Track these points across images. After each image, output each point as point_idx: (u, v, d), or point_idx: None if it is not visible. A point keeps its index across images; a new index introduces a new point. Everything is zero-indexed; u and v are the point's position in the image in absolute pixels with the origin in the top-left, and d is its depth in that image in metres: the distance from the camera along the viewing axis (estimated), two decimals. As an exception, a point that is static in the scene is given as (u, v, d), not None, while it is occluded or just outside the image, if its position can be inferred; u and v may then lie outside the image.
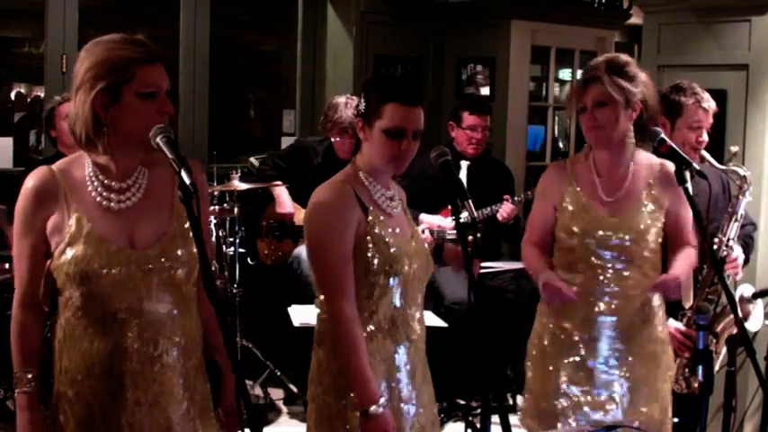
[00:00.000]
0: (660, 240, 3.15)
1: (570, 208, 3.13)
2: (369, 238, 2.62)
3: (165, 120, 2.29)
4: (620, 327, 3.12)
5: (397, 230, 2.69)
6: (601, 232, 3.09)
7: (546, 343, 3.19)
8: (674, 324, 3.56)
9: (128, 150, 2.33)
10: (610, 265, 3.10)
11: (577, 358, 3.13)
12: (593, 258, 3.11)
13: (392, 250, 2.64)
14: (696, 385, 3.62)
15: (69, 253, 2.27)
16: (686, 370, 3.63)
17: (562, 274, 3.17)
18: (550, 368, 3.16)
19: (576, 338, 3.14)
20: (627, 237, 3.08)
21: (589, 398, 3.12)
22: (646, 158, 3.18)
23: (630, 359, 3.13)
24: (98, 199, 2.33)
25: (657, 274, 3.14)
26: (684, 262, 3.14)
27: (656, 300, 3.17)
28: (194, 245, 2.30)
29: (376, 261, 2.62)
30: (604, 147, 3.12)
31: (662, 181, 3.14)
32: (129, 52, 2.27)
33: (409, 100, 2.64)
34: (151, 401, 2.34)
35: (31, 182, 2.33)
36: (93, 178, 2.34)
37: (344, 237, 2.59)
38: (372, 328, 2.66)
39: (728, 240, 3.67)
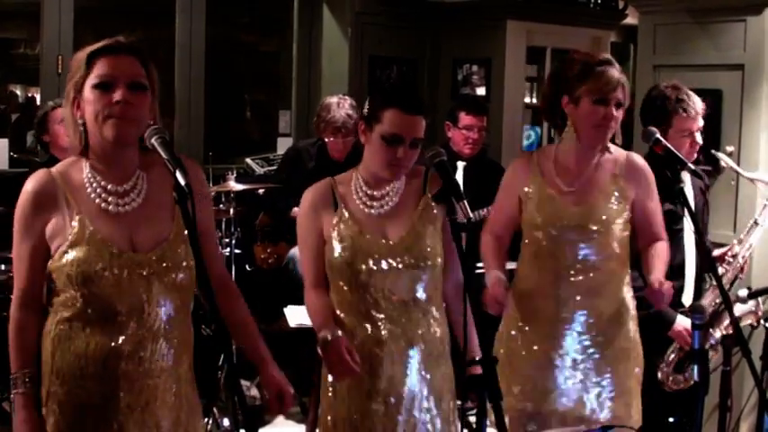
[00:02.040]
0: (627, 234, 3.13)
1: (534, 198, 3.11)
2: (332, 233, 2.73)
3: (119, 110, 2.25)
4: (589, 323, 3.10)
5: (366, 229, 2.73)
6: (565, 222, 3.06)
7: (513, 341, 3.19)
8: (688, 321, 3.57)
9: (109, 149, 2.32)
10: (579, 261, 3.07)
11: (541, 356, 3.13)
12: (559, 253, 3.08)
13: (349, 247, 2.71)
14: (683, 381, 3.65)
15: (71, 254, 2.28)
16: (675, 365, 3.65)
17: (529, 272, 3.16)
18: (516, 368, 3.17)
19: (543, 336, 3.13)
20: (593, 227, 3.05)
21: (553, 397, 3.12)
22: (613, 150, 3.15)
23: (598, 356, 3.11)
24: (97, 201, 2.33)
25: (626, 271, 3.15)
26: (661, 265, 3.12)
27: (630, 299, 3.17)
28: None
29: (336, 255, 2.72)
30: (604, 143, 3.09)
31: (628, 172, 3.12)
32: (92, 48, 2.30)
33: (409, 108, 2.69)
34: (143, 405, 2.34)
35: (30, 185, 2.33)
36: (92, 180, 2.34)
37: (311, 229, 2.79)
38: (344, 316, 2.77)
39: (750, 246, 3.71)
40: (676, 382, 3.68)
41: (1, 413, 4.56)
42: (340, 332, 2.69)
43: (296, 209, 5.26)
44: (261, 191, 5.54)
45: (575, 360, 3.11)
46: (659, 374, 3.66)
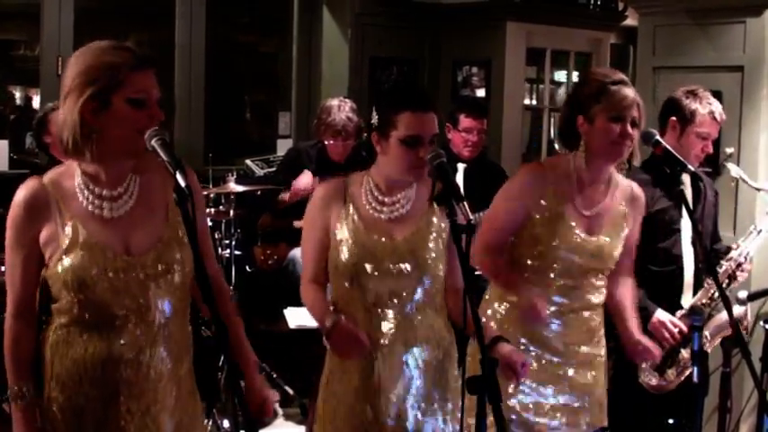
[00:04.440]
0: None
1: (546, 216, 3.01)
2: (339, 230, 2.73)
3: (153, 125, 2.25)
4: (565, 341, 3.07)
5: (372, 230, 2.73)
6: (576, 255, 3.00)
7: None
8: (665, 314, 3.57)
9: (117, 158, 2.32)
10: (572, 284, 3.04)
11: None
12: (561, 279, 3.03)
13: (354, 247, 2.71)
14: (662, 383, 3.65)
15: (66, 261, 2.26)
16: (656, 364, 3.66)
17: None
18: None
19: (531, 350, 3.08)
20: (600, 258, 3.03)
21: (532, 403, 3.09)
22: (620, 179, 3.12)
23: (572, 372, 3.09)
24: (90, 208, 2.31)
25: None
26: (635, 316, 3.16)
27: (599, 318, 3.15)
28: (190, 249, 2.30)
29: (341, 257, 2.72)
30: (619, 160, 3.03)
31: (631, 203, 3.11)
32: (118, 58, 2.25)
33: (422, 107, 2.70)
34: (143, 409, 2.34)
35: (21, 194, 2.32)
36: (84, 188, 2.32)
37: (318, 223, 2.78)
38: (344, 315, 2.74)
39: (748, 253, 3.72)
40: (658, 380, 3.67)
41: (1, 414, 4.56)
42: (343, 317, 2.69)
43: (284, 194, 5.30)
44: (260, 192, 5.54)
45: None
46: (640, 374, 3.66)
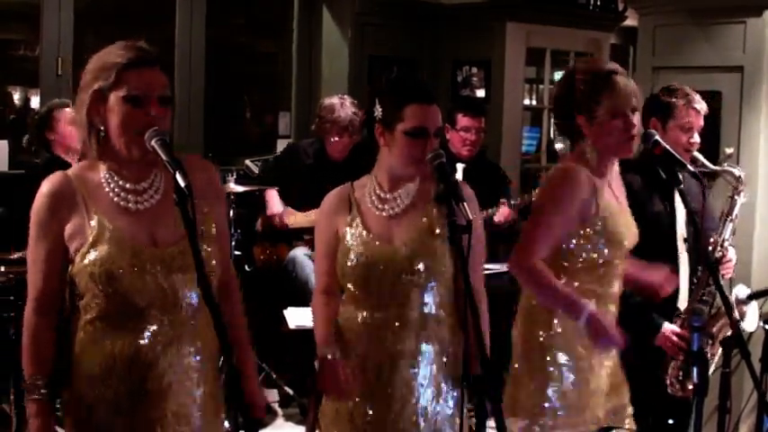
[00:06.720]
0: None
1: (606, 216, 2.91)
2: (345, 235, 2.75)
3: (154, 124, 2.26)
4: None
5: (375, 234, 2.73)
6: (626, 242, 2.99)
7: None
8: (669, 326, 3.56)
9: (125, 160, 2.32)
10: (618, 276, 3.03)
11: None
12: (614, 272, 3.01)
13: (359, 253, 2.71)
14: (691, 388, 3.62)
15: (93, 254, 2.27)
16: (680, 372, 3.63)
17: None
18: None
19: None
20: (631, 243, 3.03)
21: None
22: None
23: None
24: (116, 199, 2.32)
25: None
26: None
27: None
28: (215, 244, 2.36)
29: (347, 262, 2.72)
30: (633, 151, 3.01)
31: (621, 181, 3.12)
32: (118, 57, 2.27)
33: (427, 99, 2.74)
34: (171, 404, 2.33)
35: (46, 187, 2.32)
36: (110, 180, 2.33)
37: (326, 233, 2.80)
38: (354, 310, 2.76)
39: (723, 241, 3.68)
40: (683, 393, 3.65)
41: (1, 414, 4.56)
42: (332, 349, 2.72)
43: (280, 208, 5.32)
44: (259, 192, 5.54)
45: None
46: (669, 387, 3.63)
